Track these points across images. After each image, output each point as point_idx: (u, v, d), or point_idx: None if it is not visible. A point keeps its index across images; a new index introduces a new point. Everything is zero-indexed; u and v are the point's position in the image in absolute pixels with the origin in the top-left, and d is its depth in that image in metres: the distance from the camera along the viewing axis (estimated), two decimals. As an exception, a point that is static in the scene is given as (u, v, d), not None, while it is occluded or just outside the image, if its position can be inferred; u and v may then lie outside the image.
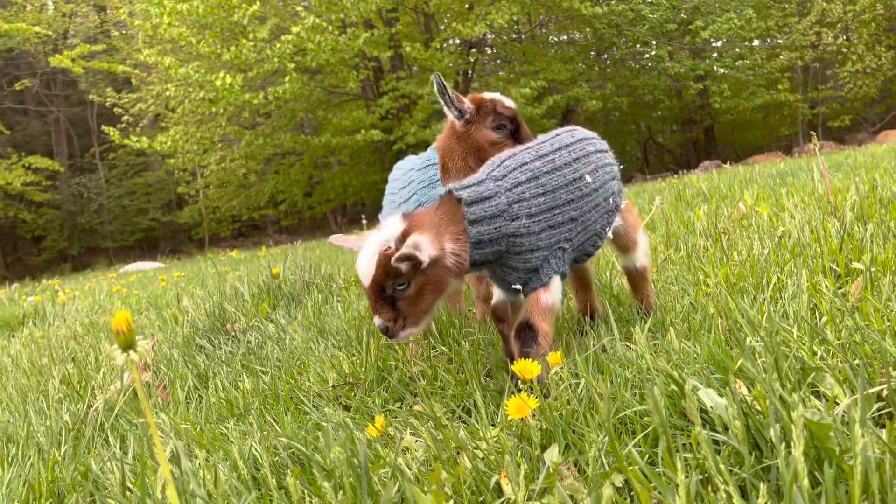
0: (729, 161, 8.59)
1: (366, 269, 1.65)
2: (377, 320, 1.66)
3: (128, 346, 0.98)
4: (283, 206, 21.96)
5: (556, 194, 1.84)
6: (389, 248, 1.63)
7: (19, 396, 2.38)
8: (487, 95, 2.37)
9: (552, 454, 1.19)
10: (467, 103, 2.33)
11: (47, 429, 1.91)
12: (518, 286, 1.84)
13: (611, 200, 2.02)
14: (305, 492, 1.18)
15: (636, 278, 2.27)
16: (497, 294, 1.96)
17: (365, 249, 1.67)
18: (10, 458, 1.80)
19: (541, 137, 2.05)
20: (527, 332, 1.79)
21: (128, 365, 0.97)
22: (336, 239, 1.83)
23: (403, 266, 1.62)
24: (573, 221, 1.87)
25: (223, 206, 21.92)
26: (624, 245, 2.17)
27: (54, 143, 26.31)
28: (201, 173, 22.08)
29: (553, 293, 1.82)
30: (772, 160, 13.42)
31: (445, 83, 2.28)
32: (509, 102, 2.35)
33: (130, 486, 1.44)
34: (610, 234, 2.06)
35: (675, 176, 10.94)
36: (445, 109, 2.33)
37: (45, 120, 26.81)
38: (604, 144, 2.10)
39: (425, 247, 1.63)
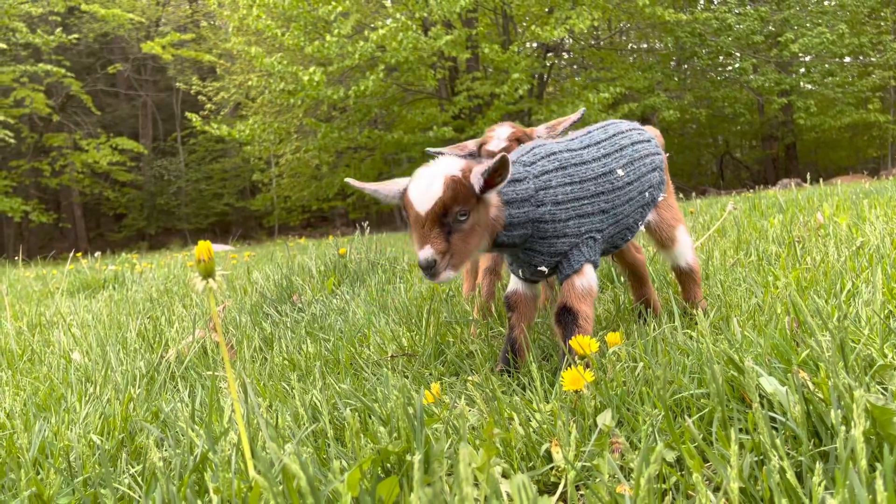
0: (810, 180, 8.25)
1: (428, 192, 1.59)
2: (427, 251, 1.58)
3: (207, 274, 1.04)
4: (351, 199, 22.34)
5: (583, 185, 1.86)
6: (457, 175, 1.62)
7: (98, 346, 2.52)
8: (490, 132, 2.31)
9: (605, 418, 1.20)
10: (469, 147, 2.29)
11: (123, 372, 2.03)
12: (544, 268, 1.86)
13: (647, 194, 2.01)
14: (362, 437, 1.22)
15: (683, 278, 2.25)
16: (513, 283, 1.98)
17: (421, 178, 1.64)
18: (88, 396, 1.92)
19: (572, 133, 2.06)
20: (567, 316, 1.81)
21: (206, 291, 1.03)
22: (353, 181, 1.79)
23: (463, 187, 1.59)
24: (604, 213, 1.89)
25: (294, 196, 22.45)
26: (660, 240, 2.16)
27: (140, 126, 27.48)
28: (276, 162, 22.67)
29: (587, 278, 1.84)
30: (856, 181, 12.86)
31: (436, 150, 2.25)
32: (495, 144, 2.25)
33: (197, 422, 1.51)
34: (642, 228, 2.06)
35: (751, 192, 10.62)
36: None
37: (133, 103, 28.04)
38: (644, 135, 2.09)
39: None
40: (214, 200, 26.79)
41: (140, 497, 1.06)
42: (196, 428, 1.29)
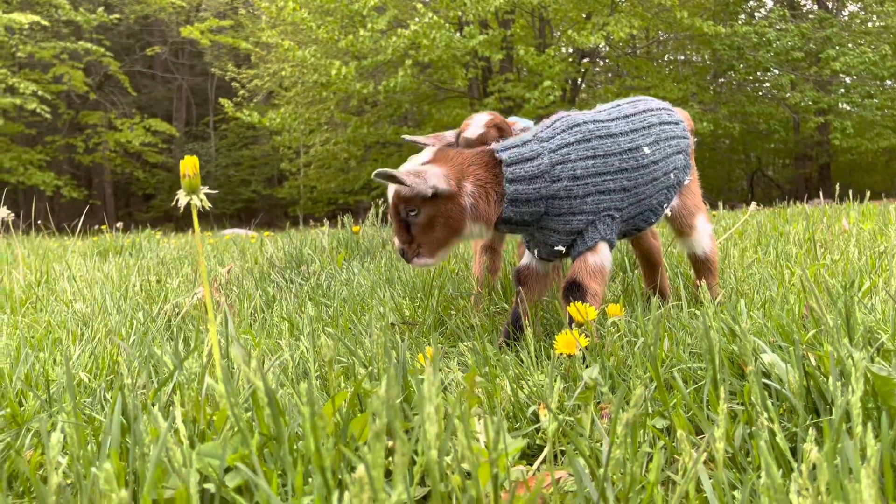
0: (840, 199, 8.04)
1: (390, 191, 1.74)
2: (395, 242, 1.77)
3: (192, 190, 1.02)
4: (375, 192, 22.41)
5: (607, 160, 1.79)
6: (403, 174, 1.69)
7: (102, 297, 2.52)
8: (469, 120, 2.20)
9: (591, 372, 1.15)
10: (447, 137, 2.18)
11: (121, 319, 2.02)
12: (561, 248, 1.81)
13: (672, 175, 1.95)
14: (342, 381, 1.19)
15: (698, 266, 2.19)
16: (526, 258, 1.94)
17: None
18: (83, 339, 1.91)
19: (601, 106, 2.00)
20: (576, 292, 1.75)
21: (191, 208, 1.00)
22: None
23: (405, 189, 1.67)
24: (625, 191, 1.82)
25: (321, 187, 22.57)
26: (679, 227, 2.10)
27: (174, 109, 27.81)
28: (304, 152, 22.80)
29: (601, 255, 1.78)
30: (890, 204, 12.60)
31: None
32: (471, 132, 2.12)
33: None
34: (668, 212, 2.00)
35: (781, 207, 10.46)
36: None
37: (169, 86, 28.39)
38: (673, 116, 2.02)
39: (431, 178, 1.67)
40: (242, 187, 27.01)
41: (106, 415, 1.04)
42: (172, 357, 1.27)
